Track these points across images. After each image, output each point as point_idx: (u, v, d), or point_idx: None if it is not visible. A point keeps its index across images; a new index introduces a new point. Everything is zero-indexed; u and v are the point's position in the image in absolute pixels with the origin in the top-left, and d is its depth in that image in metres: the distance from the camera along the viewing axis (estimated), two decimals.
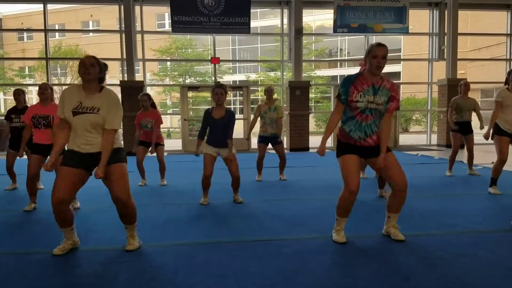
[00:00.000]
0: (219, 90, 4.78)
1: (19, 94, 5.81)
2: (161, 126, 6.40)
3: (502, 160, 5.15)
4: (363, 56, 3.37)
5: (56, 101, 4.86)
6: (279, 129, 6.54)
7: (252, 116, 7.45)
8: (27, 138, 4.92)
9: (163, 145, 6.44)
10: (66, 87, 3.25)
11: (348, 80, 3.28)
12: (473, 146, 6.85)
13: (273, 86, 6.71)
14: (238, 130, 12.40)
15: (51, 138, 4.55)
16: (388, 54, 3.29)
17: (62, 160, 3.13)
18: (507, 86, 5.19)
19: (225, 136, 4.84)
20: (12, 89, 6.03)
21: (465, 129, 6.77)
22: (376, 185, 5.37)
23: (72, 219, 3.19)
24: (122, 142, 3.21)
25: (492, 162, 5.42)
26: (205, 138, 4.98)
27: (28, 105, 5.44)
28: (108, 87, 3.22)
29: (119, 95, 11.77)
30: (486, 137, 5.31)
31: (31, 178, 4.72)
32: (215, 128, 4.84)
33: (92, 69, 3.04)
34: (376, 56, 3.17)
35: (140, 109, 6.24)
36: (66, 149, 3.21)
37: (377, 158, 3.29)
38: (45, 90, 4.79)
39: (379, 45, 3.21)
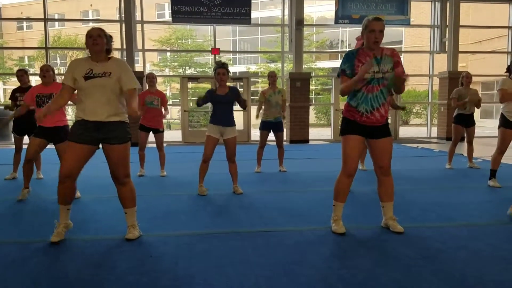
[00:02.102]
0: (221, 70, 4.75)
1: (22, 75, 5.76)
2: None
3: (501, 150, 5.15)
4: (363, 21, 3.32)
5: (58, 81, 4.86)
6: (283, 110, 6.56)
7: (252, 109, 7.41)
8: (23, 112, 4.89)
9: (163, 131, 6.43)
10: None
11: (351, 55, 3.27)
12: (473, 139, 6.84)
13: (275, 71, 6.75)
14: (238, 121, 12.38)
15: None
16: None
17: (69, 135, 3.18)
18: (509, 75, 5.16)
19: (228, 113, 4.84)
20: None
21: (467, 121, 6.74)
22: (373, 177, 5.37)
23: (73, 198, 3.28)
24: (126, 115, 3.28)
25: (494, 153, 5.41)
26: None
27: (32, 85, 5.41)
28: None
29: None
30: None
31: (27, 161, 4.67)
32: (220, 105, 4.82)
33: (99, 40, 3.12)
34: (373, 30, 3.15)
35: (145, 89, 6.25)
36: (73, 122, 3.24)
37: (382, 142, 3.30)
38: (47, 72, 4.73)
39: (376, 19, 3.20)
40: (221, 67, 4.77)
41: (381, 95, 3.27)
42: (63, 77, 3.24)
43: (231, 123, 4.88)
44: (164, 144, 6.93)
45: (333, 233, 3.40)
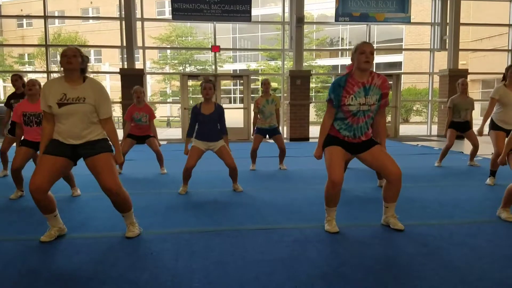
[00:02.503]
0: (207, 85, 4.79)
1: (16, 80, 5.72)
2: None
3: (498, 153, 5.16)
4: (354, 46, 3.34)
5: None
6: (277, 120, 6.53)
7: (252, 106, 7.39)
8: (20, 136, 4.77)
9: (153, 136, 6.37)
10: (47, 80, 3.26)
11: (338, 85, 3.24)
12: (477, 141, 6.65)
13: (269, 79, 6.65)
14: (238, 119, 12.40)
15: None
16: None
17: (44, 149, 3.10)
18: (504, 82, 5.16)
19: (215, 130, 4.85)
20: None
21: (463, 128, 6.68)
22: (373, 175, 5.38)
23: (54, 206, 3.17)
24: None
25: (493, 153, 5.42)
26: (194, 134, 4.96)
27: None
28: (92, 76, 3.24)
29: (119, 83, 11.76)
30: (479, 132, 5.31)
31: (14, 170, 4.60)
32: (205, 124, 4.82)
33: (74, 59, 3.03)
34: (364, 51, 3.14)
35: (133, 103, 6.16)
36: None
37: (372, 152, 3.32)
38: (32, 86, 4.65)
39: (365, 42, 3.22)
40: (208, 82, 4.82)
41: (365, 125, 3.30)
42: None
43: (218, 137, 4.88)
44: (165, 142, 6.92)
45: (326, 232, 3.39)
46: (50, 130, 3.13)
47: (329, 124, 3.35)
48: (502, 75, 5.30)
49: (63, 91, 3.03)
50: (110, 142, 3.22)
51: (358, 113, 3.23)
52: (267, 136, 6.59)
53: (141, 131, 6.20)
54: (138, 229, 3.33)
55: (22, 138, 4.72)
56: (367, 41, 3.28)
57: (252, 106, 10.81)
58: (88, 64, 3.20)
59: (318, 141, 3.42)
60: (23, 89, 5.74)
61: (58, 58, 3.23)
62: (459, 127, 6.69)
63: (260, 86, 6.68)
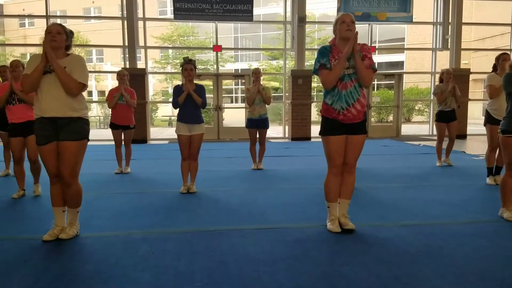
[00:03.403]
0: (188, 66, 4.78)
1: (4, 71, 5.46)
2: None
3: (492, 147, 5.17)
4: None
5: None
6: (267, 101, 6.50)
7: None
8: (3, 102, 4.63)
9: (134, 128, 6.41)
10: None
11: (325, 50, 3.28)
12: (455, 135, 6.75)
13: (260, 69, 6.68)
14: (240, 118, 12.39)
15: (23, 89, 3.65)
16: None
17: (36, 139, 3.16)
18: (496, 71, 5.17)
19: (197, 113, 4.86)
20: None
21: (449, 117, 6.70)
22: (373, 174, 5.38)
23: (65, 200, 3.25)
24: (88, 113, 3.28)
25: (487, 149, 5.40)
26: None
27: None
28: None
29: None
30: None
31: (17, 162, 4.66)
32: (186, 102, 4.82)
33: (58, 37, 3.09)
34: (344, 21, 3.21)
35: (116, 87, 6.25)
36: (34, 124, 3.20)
37: (355, 139, 3.31)
38: (16, 68, 4.63)
39: (344, 13, 3.28)
40: (188, 63, 4.80)
41: (355, 90, 3.26)
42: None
43: (199, 120, 4.90)
44: (166, 142, 6.92)
45: (328, 231, 3.39)
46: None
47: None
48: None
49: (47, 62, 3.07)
50: (86, 126, 3.22)
51: (344, 78, 3.22)
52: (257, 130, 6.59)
53: (123, 113, 6.24)
54: (74, 231, 3.29)
55: (8, 123, 4.66)
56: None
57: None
58: (72, 39, 3.23)
59: (339, 64, 3.20)
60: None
61: None
62: (446, 116, 6.70)
63: (251, 75, 6.72)
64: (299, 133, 12.05)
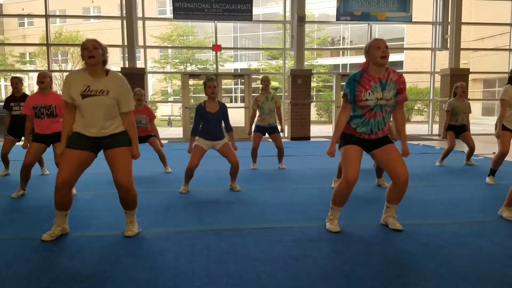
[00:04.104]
0: (211, 83, 4.78)
1: (17, 83, 5.73)
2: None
3: (503, 153, 5.14)
4: (365, 45, 3.32)
5: (55, 90, 4.84)
6: (280, 119, 6.52)
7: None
8: (30, 128, 4.79)
9: (154, 135, 6.37)
10: (68, 73, 3.23)
11: (353, 81, 3.20)
12: (473, 143, 6.74)
13: (269, 76, 6.64)
14: (238, 118, 12.39)
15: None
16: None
17: (67, 142, 3.13)
18: (511, 84, 5.09)
19: (219, 129, 4.86)
20: (13, 75, 5.95)
21: (459, 130, 6.74)
22: (373, 174, 5.38)
23: (70, 205, 3.22)
24: None
25: (493, 153, 5.40)
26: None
27: (28, 93, 5.36)
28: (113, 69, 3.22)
29: None
30: (497, 136, 5.15)
31: (26, 166, 4.63)
32: (210, 122, 4.82)
33: (95, 52, 2.99)
34: (379, 46, 3.10)
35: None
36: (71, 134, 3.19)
37: (386, 149, 3.28)
38: (44, 79, 4.70)
39: (378, 38, 3.20)
40: (211, 80, 4.81)
41: (383, 121, 3.25)
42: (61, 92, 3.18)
43: (222, 136, 4.89)
44: (166, 141, 6.91)
45: (327, 231, 3.39)
46: (71, 120, 3.14)
47: (345, 120, 3.27)
48: (503, 75, 5.28)
49: (86, 83, 3.03)
50: (127, 136, 3.21)
51: (375, 108, 3.19)
52: (266, 134, 6.59)
53: (142, 131, 6.19)
54: (137, 228, 3.34)
55: (33, 132, 4.72)
56: (369, 39, 3.26)
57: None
58: (108, 54, 3.14)
59: (332, 138, 3.36)
60: (22, 92, 5.75)
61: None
62: (456, 130, 6.75)
63: (260, 83, 6.67)
64: (299, 133, 12.06)
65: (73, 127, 3.16)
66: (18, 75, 6.02)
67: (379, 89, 3.16)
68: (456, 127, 6.73)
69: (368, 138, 3.29)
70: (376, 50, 3.10)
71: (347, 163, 3.25)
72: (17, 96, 5.71)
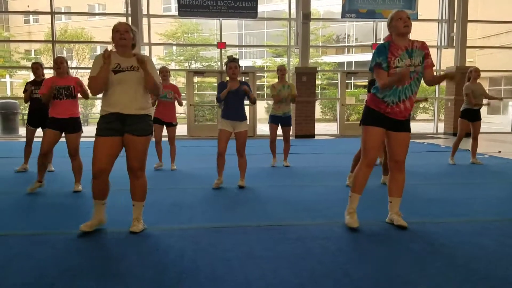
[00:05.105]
0: (232, 64, 4.82)
1: (37, 68, 5.90)
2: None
3: None
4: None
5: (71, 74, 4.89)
6: (294, 99, 6.57)
7: (258, 103, 7.40)
8: (49, 97, 4.70)
9: (176, 125, 6.46)
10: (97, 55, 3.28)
11: (383, 48, 3.26)
12: (478, 134, 6.85)
13: (285, 65, 6.84)
14: None
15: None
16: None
17: (96, 130, 3.20)
18: None
19: (241, 109, 4.93)
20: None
21: (474, 116, 6.76)
22: (379, 172, 5.37)
23: (108, 192, 3.31)
24: (151, 109, 3.36)
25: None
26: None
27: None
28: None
29: None
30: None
31: (42, 155, 4.67)
32: (232, 100, 4.86)
33: (127, 35, 3.15)
34: (401, 17, 3.20)
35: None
36: (99, 118, 3.27)
37: (401, 135, 3.33)
38: (61, 64, 4.76)
39: (399, 10, 3.28)
40: (233, 61, 4.82)
41: (410, 88, 3.27)
42: (76, 71, 3.23)
43: (243, 117, 4.95)
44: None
45: (346, 226, 3.38)
46: (106, 76, 3.13)
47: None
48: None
49: (116, 61, 3.15)
50: (151, 122, 3.31)
51: None
52: (279, 125, 6.65)
53: (166, 110, 6.29)
54: (143, 225, 3.36)
55: (49, 116, 4.72)
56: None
57: (258, 103, 10.81)
58: (136, 38, 3.29)
59: (390, 81, 3.17)
60: (43, 77, 5.83)
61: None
62: (471, 115, 6.76)
63: (276, 72, 6.86)
64: (303, 131, 12.05)
65: (101, 107, 3.24)
66: (36, 61, 6.15)
67: (406, 56, 3.23)
68: (471, 113, 6.75)
69: (393, 115, 3.27)
70: (398, 21, 3.21)
71: (369, 147, 3.33)
72: (37, 80, 5.81)
